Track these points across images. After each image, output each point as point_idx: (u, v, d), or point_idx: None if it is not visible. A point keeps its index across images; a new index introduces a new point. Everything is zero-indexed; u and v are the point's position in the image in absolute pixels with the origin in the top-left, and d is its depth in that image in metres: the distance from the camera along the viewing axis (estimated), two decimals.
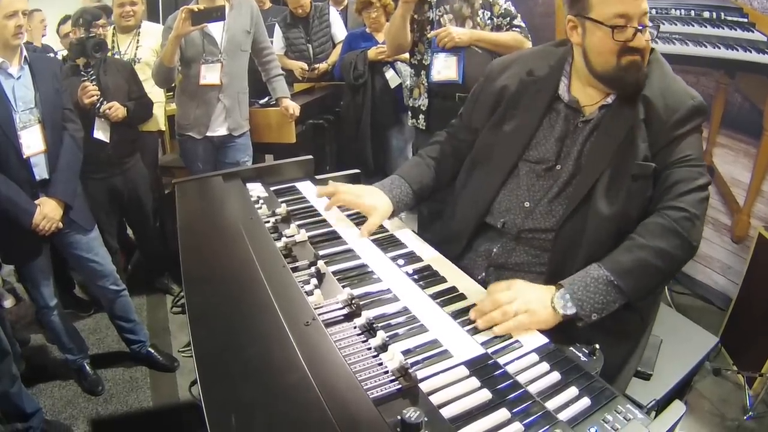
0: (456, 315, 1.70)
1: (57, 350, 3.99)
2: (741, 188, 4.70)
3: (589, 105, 2.05)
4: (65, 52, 4.78)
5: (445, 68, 3.86)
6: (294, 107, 4.83)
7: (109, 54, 4.46)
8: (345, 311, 1.61)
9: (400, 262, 1.98)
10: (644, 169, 1.90)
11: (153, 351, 4.04)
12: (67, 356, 3.81)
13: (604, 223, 1.91)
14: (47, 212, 3.22)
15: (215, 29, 4.31)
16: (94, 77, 3.97)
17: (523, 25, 3.88)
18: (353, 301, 1.63)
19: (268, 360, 1.39)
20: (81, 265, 3.69)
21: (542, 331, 1.68)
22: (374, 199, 2.22)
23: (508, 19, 3.87)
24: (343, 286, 1.74)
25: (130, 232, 5.34)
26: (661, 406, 2.14)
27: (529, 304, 1.71)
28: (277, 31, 6.13)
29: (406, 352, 1.47)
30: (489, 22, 3.86)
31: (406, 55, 4.71)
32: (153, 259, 5.09)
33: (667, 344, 2.39)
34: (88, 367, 3.88)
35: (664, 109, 1.91)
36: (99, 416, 3.64)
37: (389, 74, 5.20)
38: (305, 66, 6.03)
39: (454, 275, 1.93)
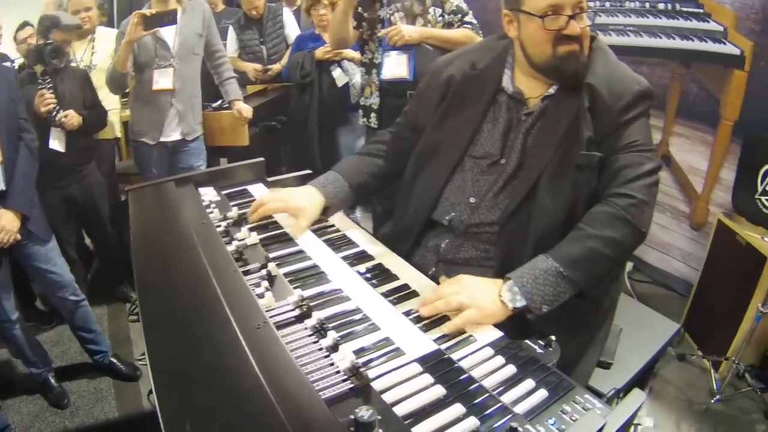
0: (408, 312, 1.69)
1: (22, 365, 3.93)
2: (699, 176, 4.78)
3: (533, 97, 2.05)
4: (23, 60, 4.72)
5: (395, 66, 3.86)
6: (246, 110, 4.82)
7: None
8: (296, 313, 1.60)
9: (352, 261, 1.96)
10: (589, 158, 1.90)
11: (115, 361, 4.00)
12: (32, 370, 3.75)
13: (550, 215, 1.91)
14: (5, 224, 3.16)
15: (167, 33, 4.27)
16: (50, 85, 3.92)
17: (474, 21, 3.87)
18: (304, 303, 1.62)
19: (221, 365, 1.38)
20: (40, 277, 3.64)
21: (497, 325, 1.67)
22: (301, 200, 2.20)
23: (459, 15, 3.87)
24: (294, 288, 1.72)
25: (88, 241, 5.26)
26: (623, 394, 2.15)
27: (476, 299, 1.69)
28: (231, 33, 6.12)
29: (358, 352, 1.46)
30: (440, 19, 3.85)
31: (354, 54, 4.75)
32: (112, 268, 5.02)
33: (628, 333, 2.41)
34: (53, 381, 3.82)
35: (609, 95, 1.91)
36: (66, 430, 3.61)
37: (336, 73, 5.17)
38: (258, 67, 6.02)
39: (405, 272, 1.92)
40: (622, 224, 1.83)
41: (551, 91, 2.01)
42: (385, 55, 3.89)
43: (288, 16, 6.21)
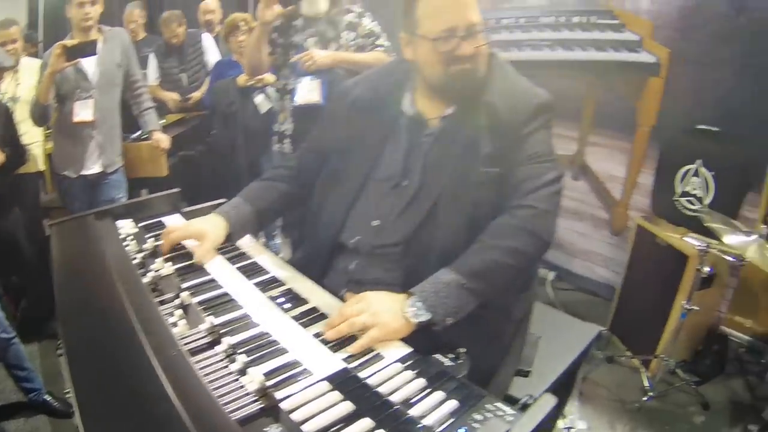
0: (318, 334, 1.71)
1: None
2: (617, 183, 4.95)
3: (433, 117, 2.09)
4: None
5: (308, 92, 3.86)
6: (164, 140, 4.78)
7: None
8: (208, 339, 1.61)
9: (263, 287, 1.98)
10: (488, 175, 1.95)
11: (49, 398, 3.93)
12: None
13: (452, 232, 1.95)
14: None
15: (88, 64, 4.23)
16: None
17: (387, 44, 3.91)
18: (215, 329, 1.63)
19: (139, 393, 1.41)
20: None
21: (406, 341, 1.70)
22: (202, 224, 2.20)
23: (372, 39, 3.90)
24: (206, 316, 1.72)
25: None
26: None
27: (378, 316, 1.70)
28: (152, 60, 6.09)
29: (268, 374, 1.47)
30: (353, 43, 3.88)
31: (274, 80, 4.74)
32: (40, 304, 4.88)
33: (547, 340, 2.44)
34: None
35: (508, 111, 1.96)
36: None
37: (258, 100, 5.15)
38: (177, 97, 6.00)
39: (315, 295, 1.94)
40: (524, 234, 1.87)
41: (450, 110, 2.06)
42: (298, 81, 3.89)
43: (208, 42, 6.21)
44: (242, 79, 5.13)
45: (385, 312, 1.73)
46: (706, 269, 3.69)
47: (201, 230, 2.16)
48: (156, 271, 1.99)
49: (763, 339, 4.12)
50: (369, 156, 2.14)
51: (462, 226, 1.94)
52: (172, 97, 6.01)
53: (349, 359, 1.59)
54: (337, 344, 1.66)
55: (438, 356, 1.62)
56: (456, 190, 1.96)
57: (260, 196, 2.34)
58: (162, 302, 1.81)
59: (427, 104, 2.10)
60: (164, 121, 5.66)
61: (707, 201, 4.25)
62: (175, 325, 1.68)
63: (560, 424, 3.40)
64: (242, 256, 2.21)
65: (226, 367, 1.50)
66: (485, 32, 1.97)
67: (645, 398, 3.80)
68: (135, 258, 2.09)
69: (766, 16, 4.04)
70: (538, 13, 5.11)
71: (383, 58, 3.80)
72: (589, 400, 3.82)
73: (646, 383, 3.90)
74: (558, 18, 4.99)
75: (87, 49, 4.03)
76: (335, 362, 1.57)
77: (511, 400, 1.93)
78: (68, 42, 4.02)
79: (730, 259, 3.76)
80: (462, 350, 1.64)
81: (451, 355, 1.63)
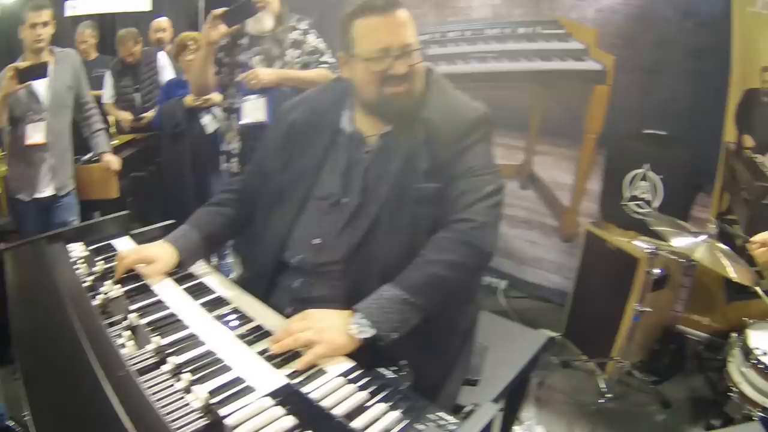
0: (263, 351, 1.73)
1: None
2: (565, 190, 5.01)
3: (371, 135, 2.12)
4: None
5: (254, 110, 3.86)
6: (115, 161, 4.78)
7: None
8: (155, 359, 1.63)
9: (209, 306, 2.00)
10: (426, 191, 1.99)
11: (12, 424, 3.92)
12: None
13: (392, 248, 1.98)
14: None
15: (39, 86, 4.20)
16: None
17: (331, 60, 3.90)
18: (161, 349, 1.65)
19: (91, 414, 1.46)
20: None
21: (349, 355, 1.73)
22: (153, 249, 2.21)
23: (317, 56, 3.90)
24: (153, 336, 1.74)
25: None
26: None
27: (323, 333, 1.73)
28: (108, 79, 6.05)
29: (213, 391, 1.50)
30: (298, 60, 3.88)
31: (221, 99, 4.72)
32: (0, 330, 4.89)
33: (496, 349, 2.49)
34: None
35: (446, 126, 2.00)
36: None
37: (205, 120, 5.12)
38: (129, 117, 5.96)
39: (260, 314, 1.96)
40: (464, 247, 1.91)
41: (387, 128, 2.09)
42: (244, 100, 3.88)
43: (163, 61, 6.14)
44: (189, 100, 5.08)
45: (330, 329, 1.75)
46: (656, 271, 3.75)
47: (153, 255, 2.17)
48: (105, 293, 1.99)
49: (721, 335, 4.15)
50: (309, 174, 2.16)
51: (403, 241, 1.98)
52: (125, 116, 5.97)
53: (292, 375, 1.62)
54: (281, 360, 1.69)
55: (381, 369, 1.66)
56: (395, 206, 2.00)
57: (207, 222, 2.35)
58: (111, 324, 1.83)
59: (365, 122, 2.14)
60: (116, 141, 5.62)
61: (656, 204, 4.34)
62: (123, 346, 1.70)
63: (517, 429, 3.45)
64: (189, 276, 2.22)
65: (172, 385, 1.53)
66: (420, 51, 2.02)
67: (601, 400, 3.84)
68: (85, 281, 2.10)
69: (711, 19, 4.15)
70: (483, 26, 5.16)
71: (327, 75, 3.79)
72: (546, 405, 3.84)
73: (602, 386, 3.94)
74: (503, 30, 5.05)
75: (38, 71, 4.00)
76: (278, 378, 1.60)
77: (460, 410, 1.96)
78: (20, 64, 3.99)
79: (680, 260, 3.84)
80: (403, 362, 1.68)
81: (393, 368, 1.66)
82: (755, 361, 2.99)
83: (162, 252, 2.19)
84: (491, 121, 2.10)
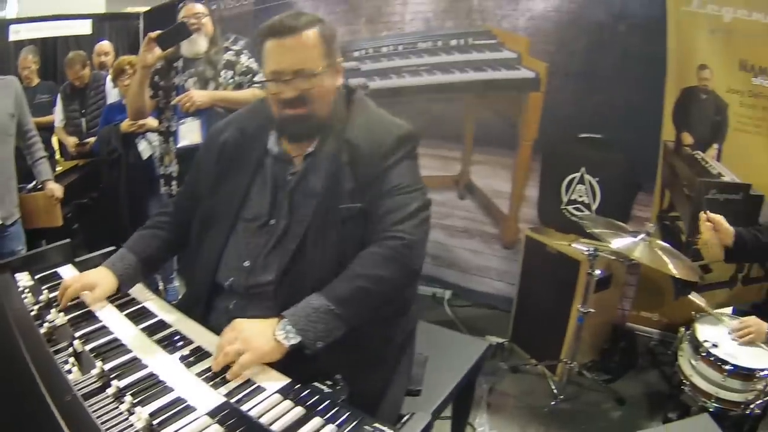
0: (202, 372, 1.78)
1: None
2: (503, 198, 5.09)
3: (297, 156, 2.16)
4: None
5: (189, 133, 3.88)
6: (57, 189, 4.71)
7: None
8: (99, 383, 1.67)
9: (150, 331, 2.03)
10: (351, 210, 2.03)
11: None
12: None
13: (321, 267, 2.01)
14: None
15: None
16: None
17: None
18: (105, 374, 1.69)
19: None
20: None
21: (285, 372, 1.78)
22: (93, 275, 2.22)
23: (250, 76, 3.94)
24: (97, 361, 1.78)
25: None
26: (436, 415, 2.30)
27: (250, 341, 1.77)
28: (59, 103, 6.00)
29: (154, 413, 1.55)
30: (231, 81, 3.92)
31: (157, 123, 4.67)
32: None
33: (438, 358, 2.55)
34: None
35: (369, 146, 2.05)
36: None
37: (141, 146, 5.10)
38: (73, 142, 5.92)
39: (200, 336, 2.00)
40: (391, 263, 1.96)
41: (311, 148, 2.14)
42: (180, 123, 3.90)
43: (110, 84, 5.96)
44: (125, 125, 5.03)
45: (257, 336, 1.80)
46: (598, 272, 3.83)
47: (93, 281, 2.18)
48: (51, 321, 2.03)
49: (672, 330, 4.25)
50: (237, 196, 2.19)
51: (332, 260, 2.01)
52: (71, 141, 5.91)
53: (231, 393, 1.67)
54: (220, 380, 1.74)
55: (316, 384, 1.71)
56: (322, 226, 2.03)
57: (144, 245, 2.37)
58: (57, 351, 1.86)
59: (291, 143, 2.18)
60: (60, 168, 5.58)
61: (594, 206, 4.45)
62: (69, 371, 1.74)
63: None
64: (131, 302, 2.25)
65: (117, 408, 1.57)
66: (324, 75, 2.05)
67: (553, 402, 3.91)
68: (32, 310, 2.13)
69: (646, 20, 4.27)
70: (416, 39, 5.22)
71: (259, 95, 3.68)
72: (498, 410, 3.89)
73: (553, 388, 4.01)
74: (435, 42, 5.12)
75: None
76: (217, 397, 1.65)
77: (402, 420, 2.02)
78: None
79: (620, 260, 3.94)
80: (338, 377, 1.75)
81: (328, 382, 1.73)
82: (704, 354, 3.07)
83: (101, 277, 2.21)
84: (416, 138, 2.16)
